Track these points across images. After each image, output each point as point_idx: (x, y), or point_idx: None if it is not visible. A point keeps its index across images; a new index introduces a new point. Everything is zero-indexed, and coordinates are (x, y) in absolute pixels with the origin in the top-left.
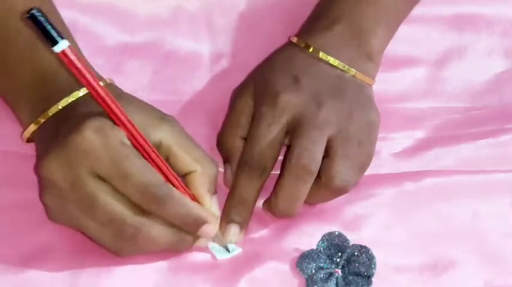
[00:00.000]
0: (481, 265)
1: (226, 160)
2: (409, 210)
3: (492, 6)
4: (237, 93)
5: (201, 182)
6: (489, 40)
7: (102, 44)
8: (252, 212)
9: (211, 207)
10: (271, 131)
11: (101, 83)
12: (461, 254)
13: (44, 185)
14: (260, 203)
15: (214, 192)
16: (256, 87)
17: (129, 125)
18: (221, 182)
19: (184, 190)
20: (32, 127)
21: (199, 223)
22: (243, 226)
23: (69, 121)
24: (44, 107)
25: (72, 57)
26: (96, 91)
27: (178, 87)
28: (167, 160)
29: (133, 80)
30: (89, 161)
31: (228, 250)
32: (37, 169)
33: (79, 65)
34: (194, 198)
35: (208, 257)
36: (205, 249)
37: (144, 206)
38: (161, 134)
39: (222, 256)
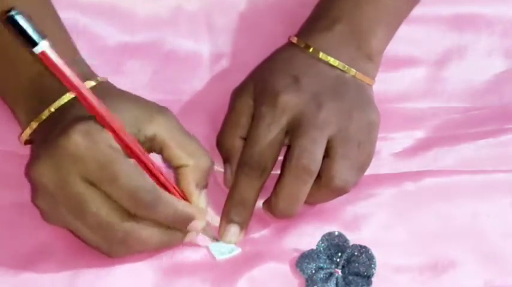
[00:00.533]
0: (481, 265)
1: (226, 160)
2: (409, 210)
3: (492, 6)
4: (237, 94)
5: (191, 176)
6: (489, 40)
7: (102, 44)
8: (252, 212)
9: (198, 202)
10: (271, 131)
11: (93, 82)
12: (461, 254)
13: (35, 188)
14: (260, 203)
15: (205, 186)
16: (256, 88)
17: (114, 126)
18: (221, 182)
19: (173, 187)
20: (28, 131)
21: (188, 220)
22: (243, 226)
23: (60, 125)
24: (38, 110)
25: (54, 57)
26: (79, 92)
27: (178, 87)
28: (161, 153)
29: (133, 80)
30: (77, 165)
31: (216, 239)
32: (27, 172)
33: (60, 66)
34: (182, 192)
35: (207, 257)
36: (203, 247)
37: (133, 210)
38: (155, 128)
39: (221, 256)
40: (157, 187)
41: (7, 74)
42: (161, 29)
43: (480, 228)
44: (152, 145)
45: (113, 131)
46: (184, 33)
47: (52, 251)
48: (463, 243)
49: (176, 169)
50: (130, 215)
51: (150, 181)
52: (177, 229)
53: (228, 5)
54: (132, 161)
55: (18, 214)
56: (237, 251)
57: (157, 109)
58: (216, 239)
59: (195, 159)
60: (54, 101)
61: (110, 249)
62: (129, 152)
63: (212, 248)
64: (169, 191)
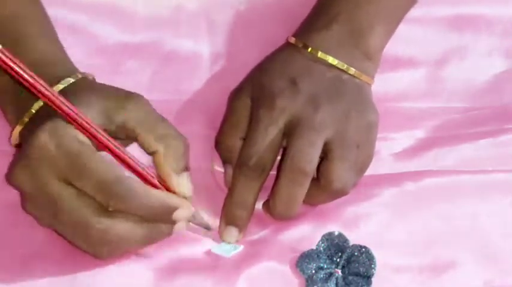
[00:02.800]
0: (481, 265)
1: (226, 161)
2: (409, 210)
3: (492, 6)
4: (235, 95)
5: (165, 161)
6: (489, 40)
7: (102, 44)
8: (251, 213)
9: (179, 186)
10: (268, 133)
11: (72, 79)
12: (461, 254)
13: (20, 194)
14: (260, 204)
15: (184, 169)
16: (254, 89)
17: (80, 121)
18: (221, 182)
19: (153, 177)
20: (18, 128)
21: (170, 210)
22: (242, 227)
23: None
24: (21, 112)
25: (6, 59)
26: (38, 91)
27: (178, 87)
28: (136, 140)
29: (133, 80)
30: (49, 164)
31: (208, 227)
32: (7, 179)
33: (17, 68)
34: (162, 182)
35: (207, 256)
36: (203, 246)
37: (106, 203)
38: (124, 115)
39: (227, 254)
40: (131, 178)
41: None
42: (161, 29)
43: (480, 228)
44: (127, 133)
45: (80, 126)
46: (184, 33)
47: (50, 252)
48: (463, 243)
49: (151, 155)
50: (107, 212)
51: (121, 172)
52: (160, 221)
53: (228, 5)
54: (105, 154)
55: (17, 214)
56: (240, 248)
57: (127, 96)
58: (207, 227)
59: (165, 143)
60: (33, 103)
61: (92, 249)
62: (102, 147)
63: (216, 250)
64: (151, 184)
